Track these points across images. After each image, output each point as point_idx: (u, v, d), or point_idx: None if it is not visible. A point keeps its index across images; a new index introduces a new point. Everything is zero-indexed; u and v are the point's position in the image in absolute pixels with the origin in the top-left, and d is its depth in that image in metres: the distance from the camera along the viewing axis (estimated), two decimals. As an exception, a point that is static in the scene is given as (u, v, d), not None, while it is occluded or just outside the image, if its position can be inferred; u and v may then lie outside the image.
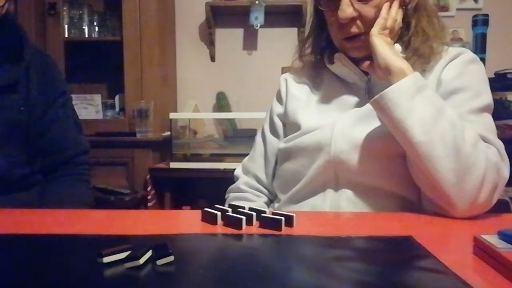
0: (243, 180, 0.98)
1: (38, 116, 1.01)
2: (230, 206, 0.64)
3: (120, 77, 1.99)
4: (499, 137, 0.73)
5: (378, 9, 0.77)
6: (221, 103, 2.32)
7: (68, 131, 1.08)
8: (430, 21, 0.81)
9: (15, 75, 0.96)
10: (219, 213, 0.59)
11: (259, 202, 0.94)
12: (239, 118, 2.10)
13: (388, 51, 0.74)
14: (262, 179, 0.96)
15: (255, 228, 0.58)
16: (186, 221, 0.67)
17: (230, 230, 0.56)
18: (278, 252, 0.49)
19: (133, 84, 1.99)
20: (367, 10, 0.77)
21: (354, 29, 0.78)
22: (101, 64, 2.09)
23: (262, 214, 0.58)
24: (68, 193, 1.03)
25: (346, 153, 0.77)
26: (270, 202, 0.96)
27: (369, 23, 0.77)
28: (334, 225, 0.64)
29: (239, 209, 0.61)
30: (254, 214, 0.59)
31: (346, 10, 0.76)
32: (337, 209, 0.77)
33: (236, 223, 0.57)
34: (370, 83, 0.84)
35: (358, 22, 0.78)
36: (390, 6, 0.78)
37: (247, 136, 2.01)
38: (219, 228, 0.58)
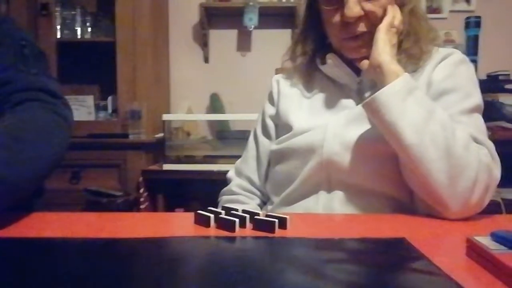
0: (235, 183, 0.97)
1: None
2: (223, 208, 0.63)
3: (113, 78, 1.98)
4: (492, 139, 0.73)
5: (384, 8, 0.77)
6: (215, 104, 2.32)
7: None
8: (420, 23, 0.82)
9: None
10: (212, 216, 0.59)
11: (252, 204, 0.94)
12: (232, 120, 2.09)
13: (387, 51, 0.74)
14: (254, 181, 0.96)
15: (248, 230, 0.57)
16: (179, 224, 0.66)
17: (223, 233, 0.56)
18: (271, 254, 0.49)
19: (126, 85, 1.98)
20: (374, 9, 0.76)
21: (360, 28, 0.77)
22: (93, 65, 2.08)
23: (256, 216, 0.58)
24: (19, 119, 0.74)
25: (338, 155, 0.77)
26: (263, 204, 0.96)
27: (374, 22, 0.77)
28: (327, 227, 0.64)
29: (232, 211, 0.61)
30: (248, 216, 0.59)
31: (354, 8, 0.75)
32: (330, 210, 0.77)
33: (229, 226, 0.57)
34: (362, 84, 0.84)
35: (363, 21, 0.77)
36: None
37: (240, 137, 2.01)
38: (212, 230, 0.58)
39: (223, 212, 0.61)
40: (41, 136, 0.72)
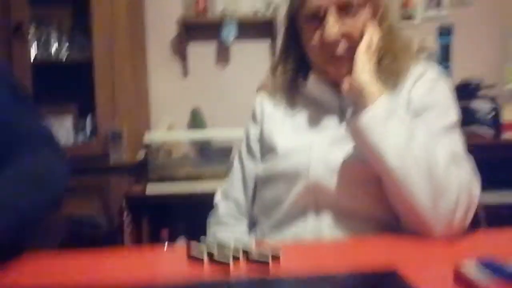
0: (223, 206, 0.97)
1: None
2: (217, 241, 0.64)
3: (90, 98, 1.94)
4: (466, 144, 0.76)
5: (363, 25, 0.78)
6: (196, 119, 2.31)
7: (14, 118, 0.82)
8: (397, 40, 0.84)
9: None
10: (205, 258, 0.59)
11: (241, 228, 0.94)
12: (216, 137, 2.08)
13: (366, 71, 0.75)
14: (241, 204, 0.96)
15: (243, 266, 0.58)
16: (171, 261, 0.65)
17: (217, 271, 0.57)
18: None
19: (105, 105, 1.95)
20: (353, 27, 0.77)
21: (341, 48, 0.78)
22: (70, 84, 2.03)
23: (250, 257, 0.59)
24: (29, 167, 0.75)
25: (324, 178, 0.78)
26: (251, 226, 0.96)
27: (354, 41, 0.78)
28: (319, 258, 0.65)
29: (225, 249, 0.61)
30: (242, 255, 0.59)
31: (334, 28, 0.76)
32: (319, 233, 0.78)
33: (224, 269, 0.57)
34: (343, 103, 0.85)
35: (344, 40, 0.78)
36: None
37: (223, 153, 2.02)
38: (206, 269, 0.58)
39: (215, 248, 0.61)
40: (39, 186, 0.74)
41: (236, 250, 0.61)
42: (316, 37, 0.79)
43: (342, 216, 0.78)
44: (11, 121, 0.80)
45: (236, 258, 0.59)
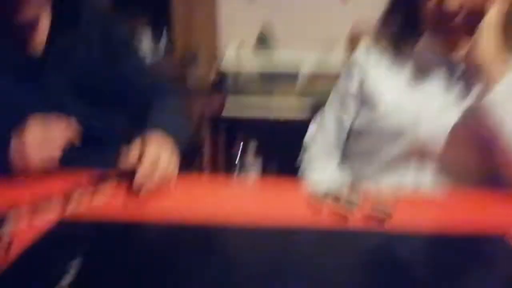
0: (316, 147, 1.04)
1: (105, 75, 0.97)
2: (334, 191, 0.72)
3: (166, 21, 1.96)
4: None
5: (486, 0, 0.74)
6: (264, 40, 2.29)
7: (138, 71, 1.03)
8: None
9: (71, 42, 0.93)
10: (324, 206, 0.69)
11: (333, 166, 1.02)
12: (286, 59, 2.08)
13: (492, 48, 0.74)
14: (335, 146, 1.02)
15: (358, 219, 0.66)
16: (293, 203, 0.73)
17: (335, 219, 0.66)
18: (374, 251, 0.60)
19: (181, 27, 1.97)
20: (476, 0, 0.74)
21: (458, 18, 0.76)
22: (145, 5, 2.05)
23: (365, 209, 0.67)
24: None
25: (432, 139, 0.82)
26: (342, 165, 1.03)
27: (473, 13, 0.75)
28: (429, 214, 0.71)
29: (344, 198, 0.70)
30: (358, 206, 0.68)
31: (456, 1, 0.74)
32: (419, 185, 0.85)
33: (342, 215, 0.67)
34: (452, 69, 0.83)
35: (463, 11, 0.75)
36: None
37: (292, 76, 2.06)
38: (324, 215, 0.67)
39: (335, 197, 0.70)
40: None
41: (353, 200, 0.70)
42: (435, 3, 0.77)
43: (445, 171, 0.84)
44: (150, 83, 1.02)
45: (352, 208, 0.68)
